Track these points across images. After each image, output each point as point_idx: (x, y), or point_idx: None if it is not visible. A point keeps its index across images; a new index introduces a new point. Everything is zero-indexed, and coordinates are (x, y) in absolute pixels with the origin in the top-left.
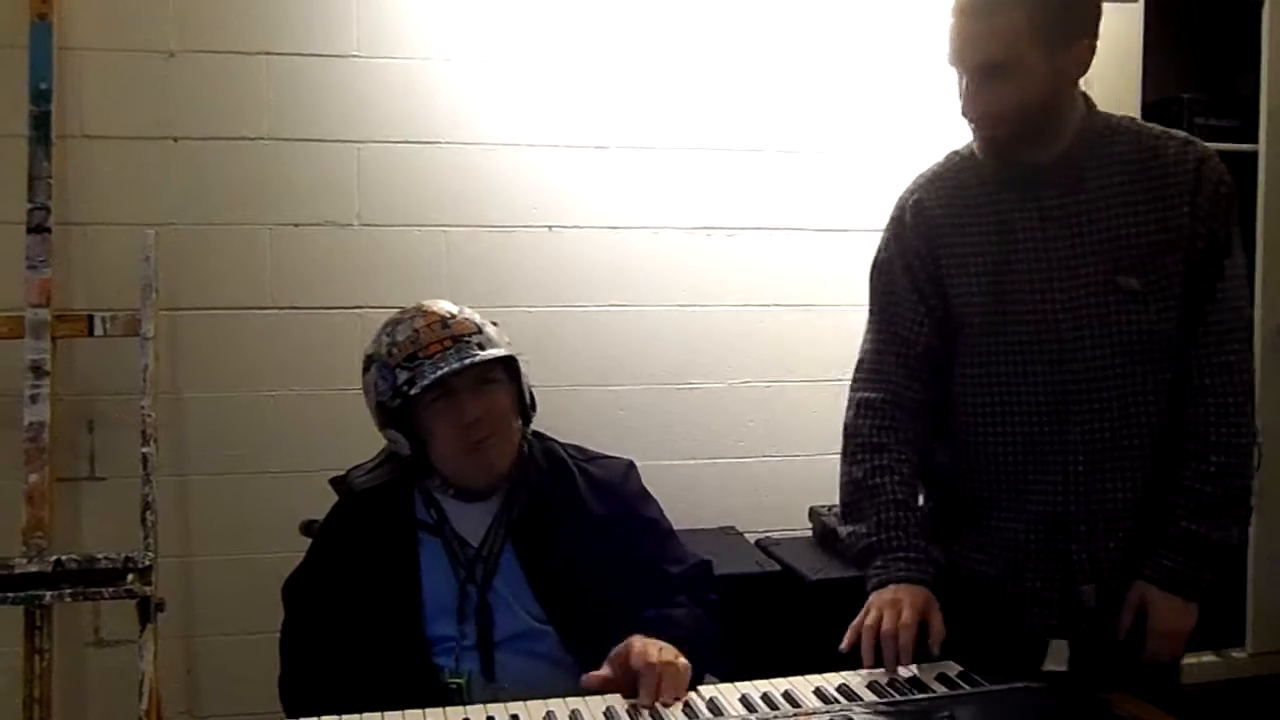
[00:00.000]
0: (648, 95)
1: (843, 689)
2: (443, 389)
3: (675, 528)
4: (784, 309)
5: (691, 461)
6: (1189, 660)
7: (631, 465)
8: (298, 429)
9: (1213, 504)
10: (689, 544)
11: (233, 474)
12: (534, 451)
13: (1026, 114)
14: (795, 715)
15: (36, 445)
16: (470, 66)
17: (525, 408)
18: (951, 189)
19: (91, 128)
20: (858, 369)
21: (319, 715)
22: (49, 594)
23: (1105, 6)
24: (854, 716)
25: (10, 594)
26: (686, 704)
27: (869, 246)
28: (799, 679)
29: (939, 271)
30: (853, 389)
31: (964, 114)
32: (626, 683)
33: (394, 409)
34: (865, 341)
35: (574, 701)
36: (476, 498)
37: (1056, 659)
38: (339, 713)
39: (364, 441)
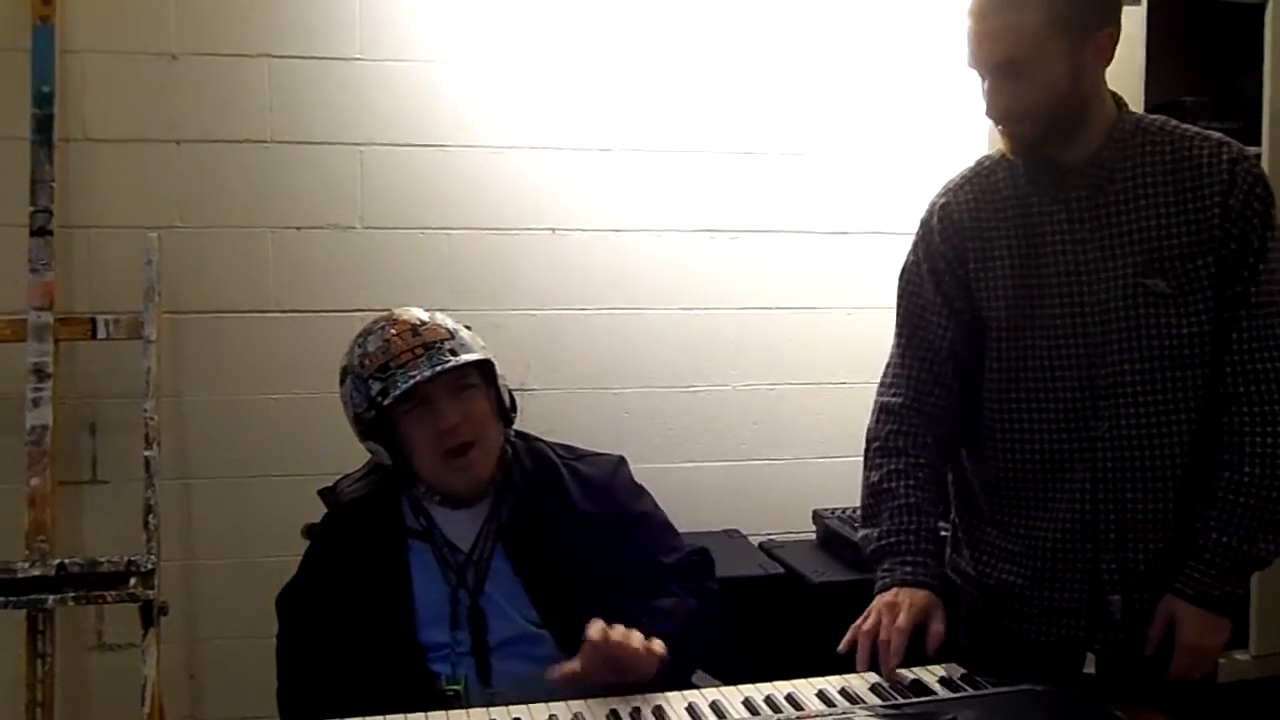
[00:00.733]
0: (651, 98)
1: (845, 692)
2: (418, 397)
3: (678, 531)
4: (787, 312)
5: (694, 464)
6: None
7: (622, 461)
8: (300, 432)
9: (1246, 516)
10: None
11: (235, 477)
12: (518, 453)
13: (1051, 109)
14: (798, 718)
15: (39, 448)
16: (473, 69)
17: (505, 411)
18: (979, 193)
19: (94, 131)
20: (884, 375)
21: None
22: (51, 598)
23: None
24: (856, 719)
25: (12, 598)
26: (690, 705)
27: (873, 249)
28: (802, 681)
29: (966, 276)
30: (877, 394)
31: (988, 114)
32: (595, 670)
33: (371, 420)
34: (892, 348)
35: (576, 705)
36: (463, 504)
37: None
38: (338, 718)
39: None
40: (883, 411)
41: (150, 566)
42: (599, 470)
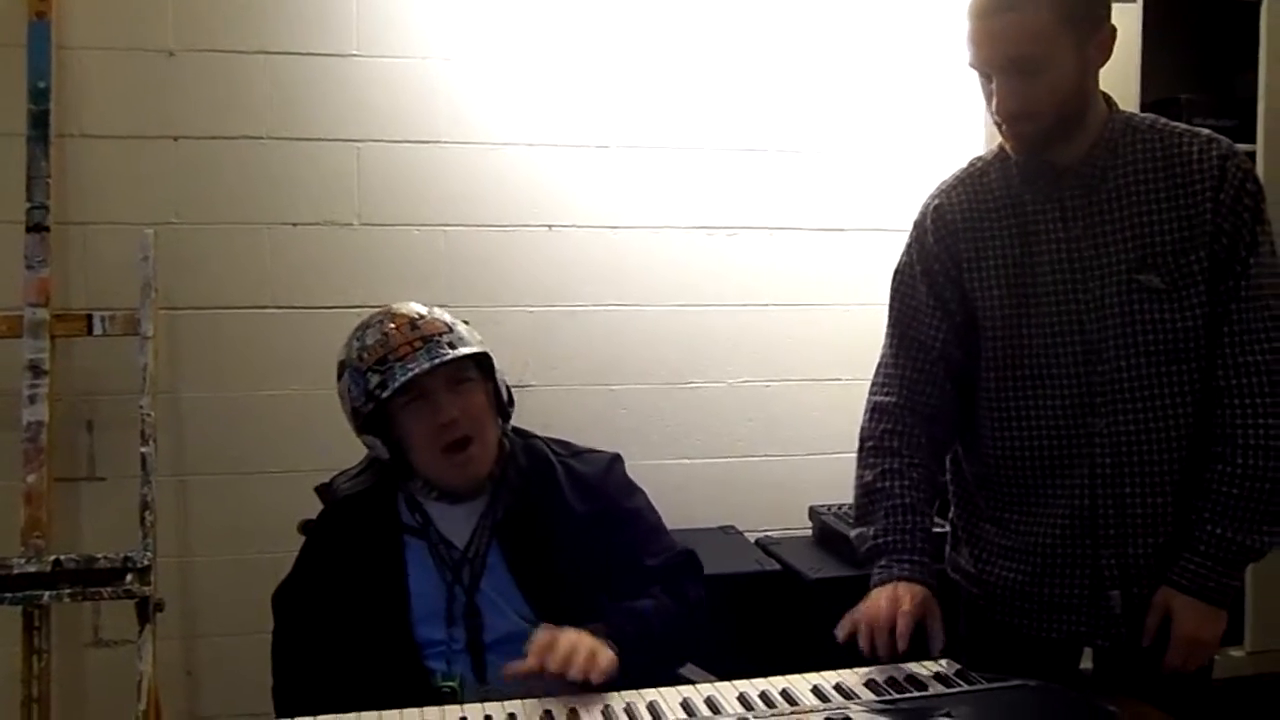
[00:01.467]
0: (648, 95)
1: (840, 687)
2: (416, 391)
3: (674, 528)
4: (784, 308)
5: (691, 461)
6: None
7: (616, 458)
8: (297, 429)
9: (1240, 507)
10: (688, 544)
11: (232, 474)
12: (515, 449)
13: (1058, 107)
14: (793, 713)
15: (35, 445)
16: (470, 65)
17: (503, 405)
18: (972, 193)
19: (90, 127)
20: (875, 374)
21: (314, 716)
22: (47, 594)
23: None
24: (851, 715)
25: (9, 594)
26: (685, 701)
27: (869, 246)
28: (797, 677)
29: (960, 277)
30: (870, 394)
31: (995, 114)
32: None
33: (368, 413)
34: (884, 348)
35: (570, 700)
36: (459, 499)
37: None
38: (333, 714)
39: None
40: (876, 410)
41: (147, 563)
42: (593, 467)
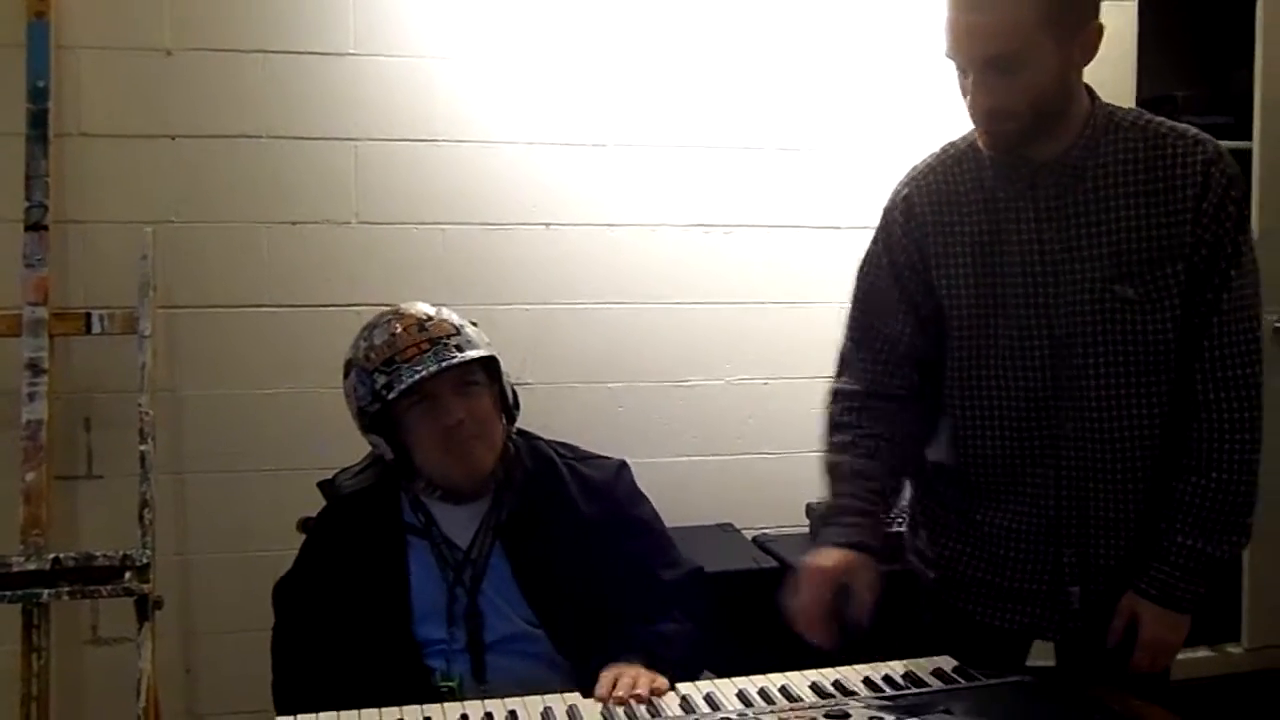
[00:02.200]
0: (644, 93)
1: (839, 684)
2: (422, 393)
3: (672, 525)
4: (781, 306)
5: (688, 459)
6: (1184, 656)
7: (624, 465)
8: (295, 427)
9: (1211, 520)
10: (686, 541)
11: (230, 472)
12: (520, 451)
13: (1037, 107)
14: (791, 710)
15: (34, 443)
16: (467, 64)
17: (509, 407)
18: (943, 182)
19: (89, 126)
20: (837, 365)
21: (314, 714)
22: (46, 592)
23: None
24: (850, 711)
25: (7, 592)
26: (684, 699)
27: (866, 244)
28: (795, 674)
29: (927, 269)
30: (831, 383)
31: (971, 110)
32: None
33: (374, 413)
34: (845, 337)
35: (570, 698)
36: (463, 500)
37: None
38: (333, 711)
39: (361, 440)
40: (835, 395)
41: (145, 561)
42: (601, 473)
